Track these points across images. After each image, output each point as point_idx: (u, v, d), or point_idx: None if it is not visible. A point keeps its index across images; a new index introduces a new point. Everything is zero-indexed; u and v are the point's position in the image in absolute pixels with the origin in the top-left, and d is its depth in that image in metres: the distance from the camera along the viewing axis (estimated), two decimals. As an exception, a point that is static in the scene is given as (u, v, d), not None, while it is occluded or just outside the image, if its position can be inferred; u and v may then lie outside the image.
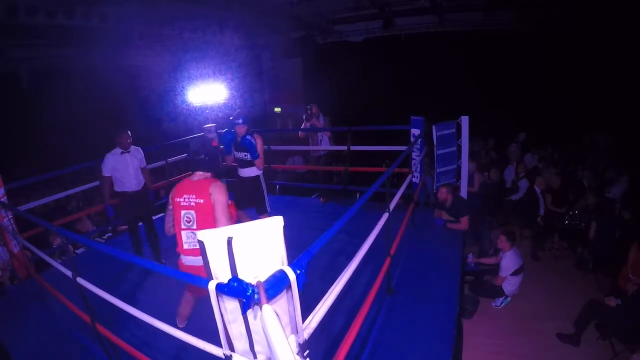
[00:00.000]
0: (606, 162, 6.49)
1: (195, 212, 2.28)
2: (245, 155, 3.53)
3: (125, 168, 3.59)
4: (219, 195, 2.28)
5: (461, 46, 8.02)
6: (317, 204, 5.19)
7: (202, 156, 2.41)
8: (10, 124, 6.62)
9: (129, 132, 3.67)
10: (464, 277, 3.91)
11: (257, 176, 3.65)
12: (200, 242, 1.18)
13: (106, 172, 3.56)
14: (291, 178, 7.26)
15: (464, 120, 4.30)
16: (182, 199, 2.33)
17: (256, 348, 1.30)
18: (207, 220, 2.27)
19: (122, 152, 3.61)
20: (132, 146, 3.70)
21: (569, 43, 7.17)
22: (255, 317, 1.21)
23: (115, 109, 7.40)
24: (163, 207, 5.37)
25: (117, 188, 3.62)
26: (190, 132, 6.00)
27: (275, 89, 10.40)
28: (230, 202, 2.40)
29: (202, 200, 2.28)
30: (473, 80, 8.31)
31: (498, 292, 4.18)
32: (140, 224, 3.80)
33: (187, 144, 5.28)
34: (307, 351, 1.32)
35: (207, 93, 6.27)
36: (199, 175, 2.41)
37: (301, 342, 1.32)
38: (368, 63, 9.30)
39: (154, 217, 3.95)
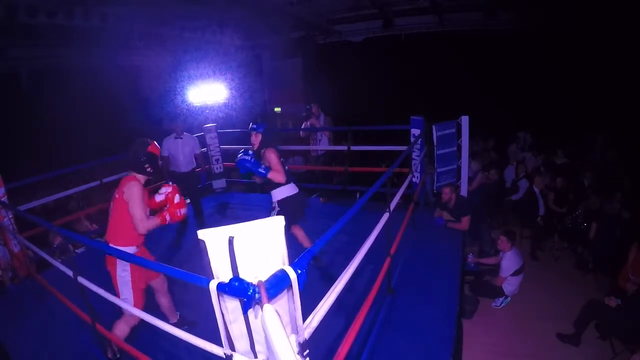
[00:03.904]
0: (606, 162, 6.50)
1: None
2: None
3: (176, 151, 4.25)
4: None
5: (461, 46, 8.02)
6: (317, 204, 5.19)
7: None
8: (10, 123, 6.62)
9: (183, 121, 4.37)
10: (464, 277, 3.91)
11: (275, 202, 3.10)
12: (202, 242, 1.18)
13: (163, 152, 4.21)
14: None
15: (464, 120, 4.30)
16: None
17: (257, 348, 1.31)
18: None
19: (175, 137, 4.28)
20: (186, 133, 4.35)
21: (569, 43, 7.18)
22: (256, 317, 1.21)
23: (115, 109, 7.40)
24: (207, 189, 5.66)
25: (171, 167, 4.32)
26: (190, 132, 5.99)
27: (275, 89, 10.39)
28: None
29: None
30: (473, 80, 8.31)
31: (498, 292, 4.18)
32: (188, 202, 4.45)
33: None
34: (308, 351, 1.32)
35: (207, 93, 6.26)
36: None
37: (302, 342, 1.33)
38: (368, 63, 9.30)
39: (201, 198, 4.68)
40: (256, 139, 3.07)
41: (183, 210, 2.40)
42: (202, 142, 5.61)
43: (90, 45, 6.19)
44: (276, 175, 2.95)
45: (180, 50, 7.64)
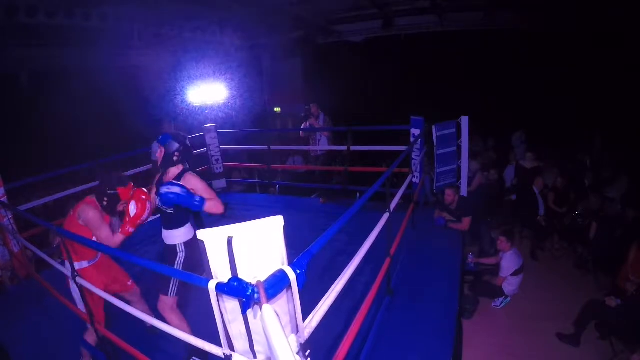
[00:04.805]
0: (604, 162, 6.50)
1: None
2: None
3: None
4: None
5: (461, 46, 8.02)
6: (317, 204, 5.19)
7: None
8: (10, 124, 6.62)
9: (171, 123, 3.96)
10: (464, 277, 3.91)
11: (175, 246, 2.41)
12: (201, 242, 1.18)
13: (153, 156, 3.95)
14: (291, 178, 7.27)
15: (464, 120, 4.30)
16: None
17: (256, 348, 1.31)
18: None
19: None
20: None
21: (569, 43, 7.18)
22: (255, 317, 1.21)
23: (115, 109, 7.39)
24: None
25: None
26: (190, 132, 6.01)
27: (275, 89, 10.40)
28: None
29: None
30: (473, 80, 8.31)
31: (498, 292, 4.18)
32: None
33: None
34: (308, 351, 1.32)
35: (207, 93, 6.27)
36: None
37: (301, 342, 1.32)
38: (368, 63, 9.30)
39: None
40: (160, 152, 2.43)
41: (144, 217, 2.29)
42: (202, 142, 5.62)
43: (90, 45, 6.18)
44: (215, 205, 2.25)
45: (180, 50, 7.63)
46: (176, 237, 2.42)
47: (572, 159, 6.84)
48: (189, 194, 2.14)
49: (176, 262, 2.39)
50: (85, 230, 2.30)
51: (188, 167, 2.50)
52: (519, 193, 5.92)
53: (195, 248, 2.42)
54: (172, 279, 2.32)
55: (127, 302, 2.45)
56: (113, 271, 2.53)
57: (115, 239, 2.28)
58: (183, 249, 2.42)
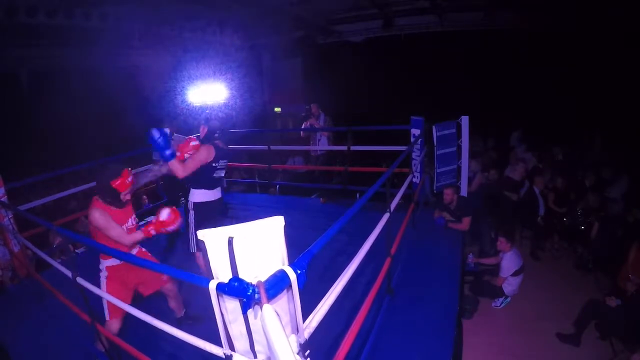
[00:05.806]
0: (604, 161, 6.49)
1: None
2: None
3: None
4: None
5: (461, 46, 8.03)
6: (317, 204, 5.19)
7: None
8: (10, 123, 6.62)
9: (172, 123, 4.38)
10: (464, 277, 3.91)
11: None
12: (201, 242, 1.18)
13: (155, 156, 4.18)
14: (291, 178, 7.27)
15: (464, 120, 4.30)
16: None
17: (256, 348, 1.31)
18: None
19: None
20: (177, 135, 4.30)
21: (569, 43, 7.18)
22: (255, 317, 1.21)
23: (115, 109, 7.40)
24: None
25: (166, 170, 4.25)
26: (190, 132, 6.00)
27: (275, 89, 10.40)
28: None
29: None
30: (473, 80, 8.31)
31: (498, 292, 4.18)
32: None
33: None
34: (308, 351, 1.32)
35: (207, 93, 6.26)
36: None
37: (301, 342, 1.32)
38: (368, 63, 9.29)
39: None
40: (203, 130, 2.99)
41: (170, 228, 2.30)
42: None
43: (90, 45, 6.19)
44: (178, 168, 2.63)
45: (180, 50, 7.63)
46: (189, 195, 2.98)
47: (549, 153, 6.83)
48: (165, 143, 2.52)
49: (188, 220, 2.95)
50: (102, 234, 2.28)
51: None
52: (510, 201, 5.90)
53: (201, 210, 2.97)
54: (190, 236, 2.97)
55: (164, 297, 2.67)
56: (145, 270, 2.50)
57: (133, 237, 2.30)
58: (192, 207, 2.96)
